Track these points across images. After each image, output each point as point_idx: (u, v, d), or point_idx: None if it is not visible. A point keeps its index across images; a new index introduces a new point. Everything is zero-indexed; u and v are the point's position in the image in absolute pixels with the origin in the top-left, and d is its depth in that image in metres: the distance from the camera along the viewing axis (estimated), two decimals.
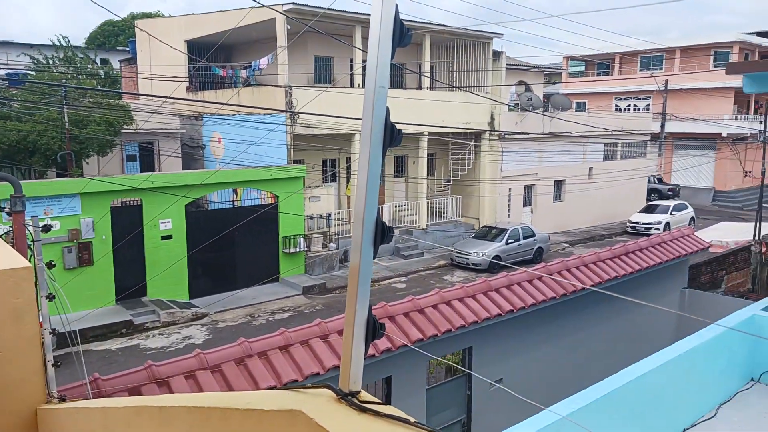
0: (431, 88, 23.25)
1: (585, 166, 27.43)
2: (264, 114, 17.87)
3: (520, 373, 8.42)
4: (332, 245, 19.76)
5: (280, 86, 18.82)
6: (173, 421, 1.98)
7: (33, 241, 4.33)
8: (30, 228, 4.53)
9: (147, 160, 21.44)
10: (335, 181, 22.08)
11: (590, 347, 9.44)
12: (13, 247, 4.47)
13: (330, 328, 6.63)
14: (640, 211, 27.85)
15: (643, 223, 26.40)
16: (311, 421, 1.27)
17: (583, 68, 46.34)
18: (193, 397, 2.14)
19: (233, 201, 18.32)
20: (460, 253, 20.46)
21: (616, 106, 41.39)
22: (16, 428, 3.70)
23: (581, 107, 39.68)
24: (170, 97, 13.73)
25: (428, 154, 22.88)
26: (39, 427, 3.72)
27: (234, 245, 17.58)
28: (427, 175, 23.33)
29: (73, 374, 6.33)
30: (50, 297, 3.84)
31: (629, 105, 41.15)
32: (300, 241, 18.58)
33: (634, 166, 29.20)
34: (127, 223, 15.32)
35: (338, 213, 20.71)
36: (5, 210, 4.77)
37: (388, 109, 1.42)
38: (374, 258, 1.46)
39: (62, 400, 3.67)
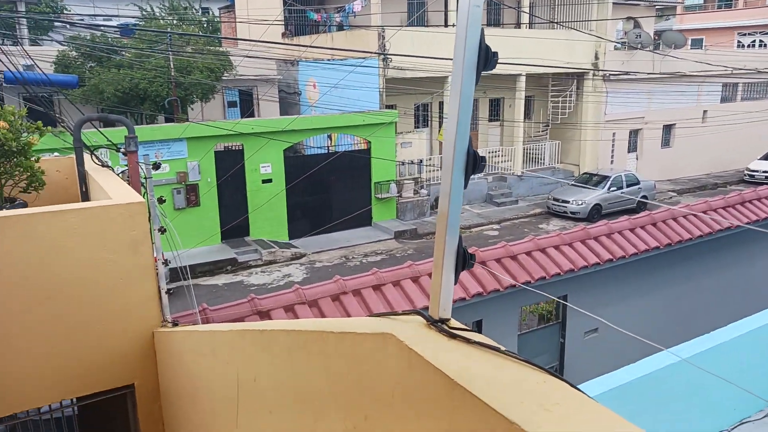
0: (530, 25, 22.08)
1: (699, 109, 25.27)
2: (357, 58, 17.83)
3: (617, 324, 8.15)
4: (423, 191, 19.76)
5: (374, 27, 18.62)
6: (273, 342, 2.10)
7: (146, 178, 4.65)
8: (143, 167, 4.86)
9: (246, 106, 22.20)
10: (427, 126, 21.85)
11: (694, 301, 8.93)
12: (128, 184, 4.83)
13: (421, 271, 6.72)
14: (760, 158, 25.42)
15: (764, 171, 24.15)
16: (401, 344, 1.29)
17: (701, 1, 42.04)
18: (291, 323, 2.26)
19: (328, 146, 18.68)
20: (558, 201, 19.78)
21: (739, 42, 37.39)
22: (137, 348, 4.10)
23: (697, 44, 36.25)
24: (266, 42, 13.98)
25: (526, 97, 21.94)
26: (156, 347, 4.10)
27: (329, 190, 18.07)
28: (524, 118, 22.48)
29: (184, 305, 6.88)
30: (162, 230, 4.14)
31: (754, 41, 37.05)
32: (391, 187, 18.73)
33: (756, 108, 26.52)
34: (230, 167, 16.11)
35: (430, 158, 20.58)
36: (120, 150, 5.15)
37: (482, 29, 1.34)
38: (465, 188, 1.42)
39: (175, 324, 4.00)
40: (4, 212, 3.79)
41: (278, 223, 17.29)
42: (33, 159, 4.70)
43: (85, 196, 5.31)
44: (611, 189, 19.63)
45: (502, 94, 22.65)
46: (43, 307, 3.76)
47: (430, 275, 6.63)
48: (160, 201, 4.40)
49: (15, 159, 4.53)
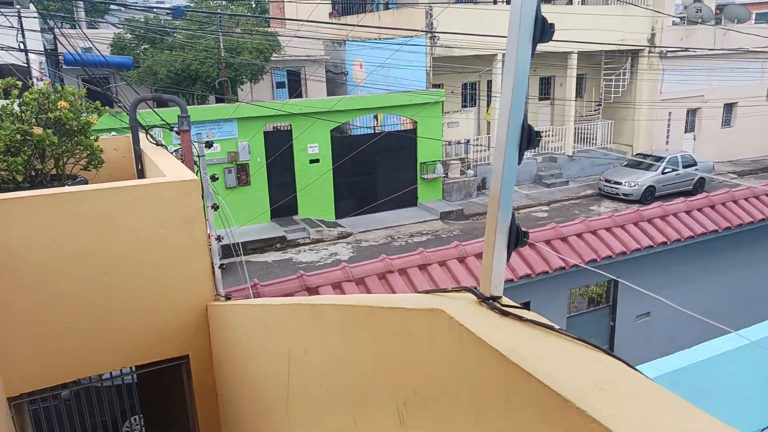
0: (583, 1, 21.33)
1: (762, 87, 23.97)
2: (404, 37, 17.67)
3: (670, 308, 7.92)
4: (470, 172, 19.55)
5: (421, 4, 18.37)
6: (323, 316, 2.14)
7: (198, 156, 4.77)
8: (195, 145, 4.98)
9: (294, 86, 22.36)
10: (474, 105, 21.52)
11: (754, 287, 8.57)
12: (181, 163, 4.96)
13: (467, 251, 6.67)
14: None
15: None
16: (452, 320, 1.29)
17: None
18: (340, 298, 2.29)
19: (374, 126, 18.68)
20: (610, 183, 19.24)
21: None
22: (191, 321, 4.25)
23: (762, 18, 34.24)
24: (313, 21, 14.00)
25: (577, 75, 21.29)
26: (209, 320, 4.23)
27: (375, 170, 18.10)
28: (576, 97, 21.84)
29: (236, 280, 7.06)
30: (215, 207, 4.25)
31: None
32: (438, 167, 18.61)
33: None
34: (279, 147, 16.34)
35: (477, 138, 20.30)
36: (174, 129, 5.28)
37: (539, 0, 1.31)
38: (519, 163, 1.39)
39: (228, 298, 4.11)
40: (67, 188, 3.96)
41: (325, 203, 17.48)
42: (92, 138, 4.88)
43: (141, 174, 5.49)
44: (666, 170, 18.94)
45: (552, 73, 22.05)
46: (102, 280, 3.93)
47: (476, 256, 6.59)
48: (213, 179, 4.51)
49: (76, 138, 4.71)
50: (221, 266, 4.16)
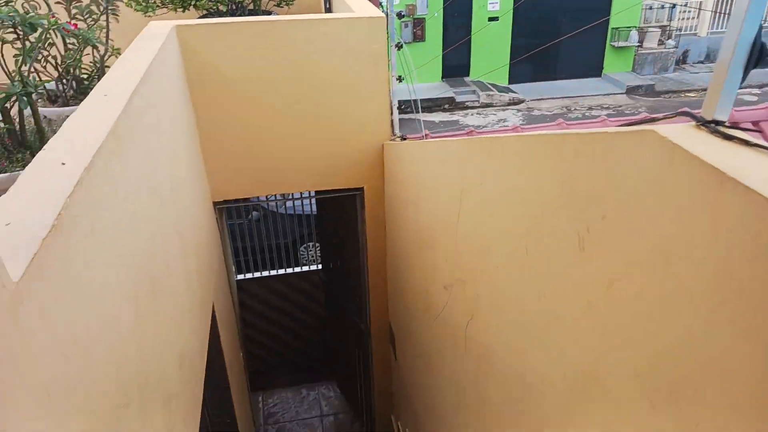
0: None
1: None
2: None
3: None
4: (670, 42, 17.25)
5: None
6: (503, 148, 2.12)
7: None
8: None
9: None
10: None
11: None
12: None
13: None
14: None
15: None
16: (663, 139, 1.20)
17: None
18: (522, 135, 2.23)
19: None
20: None
21: None
22: (368, 156, 4.49)
23: None
24: None
25: None
26: (385, 157, 4.45)
27: (558, 33, 16.68)
28: None
29: (408, 132, 7.22)
30: (398, 46, 4.26)
31: None
32: (632, 35, 16.66)
33: None
34: (457, 2, 15.61)
35: (686, 3, 17.59)
36: None
37: None
38: (742, 83, 1.19)
39: (403, 139, 4.25)
40: (270, 17, 4.20)
41: (499, 65, 16.75)
42: None
43: (329, 12, 5.62)
44: None
45: None
46: (294, 108, 4.24)
47: None
48: (399, 16, 4.47)
49: None
50: (399, 107, 4.25)
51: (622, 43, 16.73)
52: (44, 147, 1.78)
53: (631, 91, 16.19)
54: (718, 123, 1.22)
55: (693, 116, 1.27)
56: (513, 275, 2.16)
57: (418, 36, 15.97)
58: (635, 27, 16.69)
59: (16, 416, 0.99)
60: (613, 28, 16.68)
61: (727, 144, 1.15)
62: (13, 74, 2.65)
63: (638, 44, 16.94)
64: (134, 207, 2.04)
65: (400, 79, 4.25)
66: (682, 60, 17.55)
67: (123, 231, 1.84)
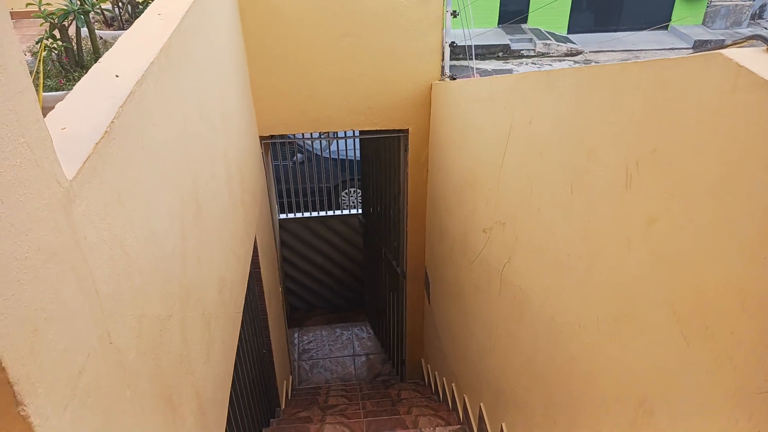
0: None
1: None
2: None
3: None
4: None
5: None
6: (558, 82, 2.05)
7: None
8: None
9: None
10: None
11: None
12: None
13: None
14: None
15: None
16: (729, 61, 1.13)
17: None
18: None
19: None
20: None
21: None
22: (416, 96, 4.42)
23: None
24: None
25: None
26: (432, 98, 4.37)
27: None
28: None
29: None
30: None
31: None
32: None
33: None
34: None
35: None
36: None
37: None
38: None
39: (452, 79, 4.15)
40: None
41: (559, 14, 16.03)
42: None
43: None
44: None
45: None
46: (340, 44, 4.18)
47: None
48: None
49: None
50: (452, 43, 4.14)
51: None
52: (99, 60, 1.81)
53: (698, 46, 15.29)
54: None
55: (764, 39, 1.18)
56: (555, 216, 2.13)
57: None
58: None
59: (65, 308, 1.04)
60: None
61: None
62: None
63: None
64: (184, 129, 2.08)
65: (454, 14, 4.12)
66: (758, 14, 16.38)
67: (172, 151, 1.89)
